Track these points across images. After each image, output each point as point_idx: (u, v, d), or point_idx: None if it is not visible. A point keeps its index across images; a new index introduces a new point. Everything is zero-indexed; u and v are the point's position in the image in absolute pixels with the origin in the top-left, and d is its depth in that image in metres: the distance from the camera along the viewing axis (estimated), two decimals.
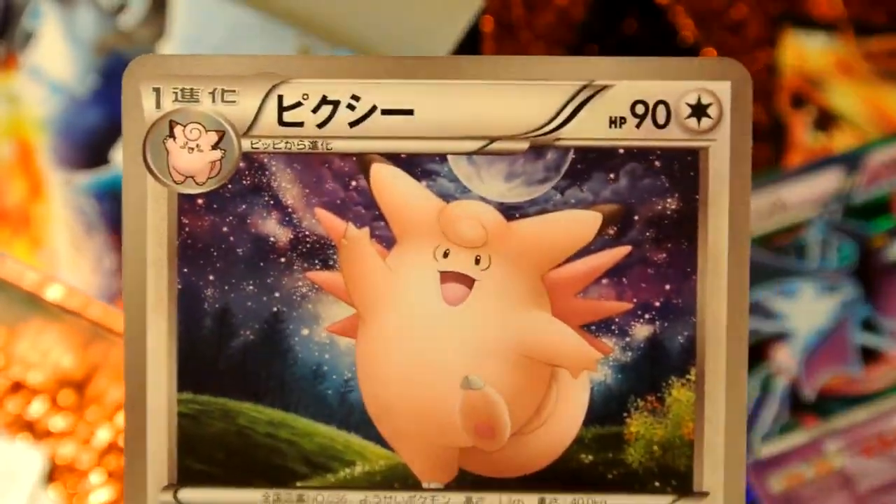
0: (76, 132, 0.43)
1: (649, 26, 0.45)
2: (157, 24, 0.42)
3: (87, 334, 0.39)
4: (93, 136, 0.43)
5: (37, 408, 0.41)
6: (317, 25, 0.40)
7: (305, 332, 0.29)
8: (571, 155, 0.29)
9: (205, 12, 0.42)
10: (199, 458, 0.29)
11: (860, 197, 0.39)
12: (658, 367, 0.29)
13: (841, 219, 0.39)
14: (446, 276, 0.29)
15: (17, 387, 0.42)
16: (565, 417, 0.29)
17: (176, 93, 0.28)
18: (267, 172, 0.28)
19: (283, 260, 0.29)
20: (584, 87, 0.28)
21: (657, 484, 0.29)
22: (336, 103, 0.28)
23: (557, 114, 0.28)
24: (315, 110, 0.28)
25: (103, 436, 0.41)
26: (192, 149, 0.28)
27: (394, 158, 0.29)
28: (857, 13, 0.44)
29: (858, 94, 0.41)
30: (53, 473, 0.40)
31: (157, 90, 0.28)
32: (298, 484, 0.29)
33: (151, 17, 0.42)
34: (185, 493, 0.29)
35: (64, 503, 0.40)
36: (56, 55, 0.43)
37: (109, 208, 0.42)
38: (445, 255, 0.29)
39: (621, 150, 0.29)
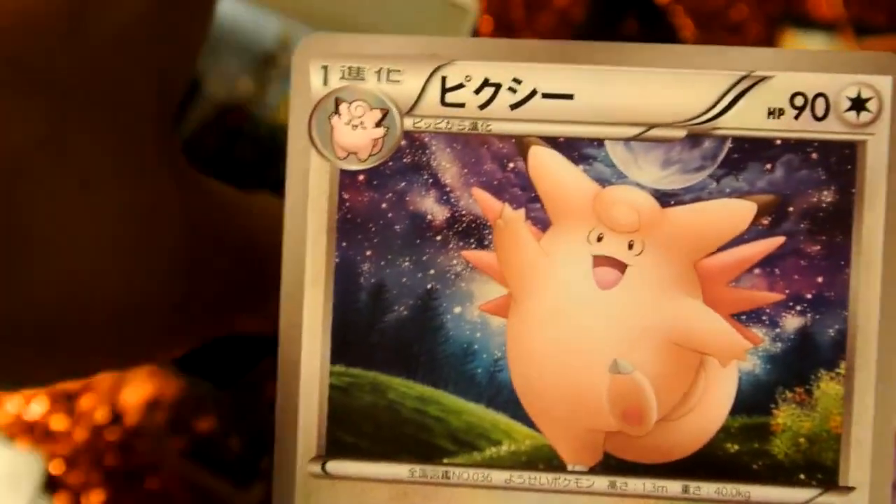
0: None
1: (649, 27, 0.45)
2: None
3: None
4: None
5: (36, 409, 0.41)
6: (305, 16, 0.41)
7: (458, 309, 0.29)
8: (728, 144, 0.29)
9: None
10: (348, 430, 0.29)
11: None
12: (807, 360, 0.29)
13: None
14: (599, 260, 0.29)
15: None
16: (712, 406, 0.29)
17: (343, 71, 0.29)
18: (427, 151, 0.29)
19: (438, 238, 0.29)
20: (744, 77, 0.29)
21: (802, 476, 0.29)
22: (498, 86, 0.29)
23: (716, 103, 0.29)
24: (477, 92, 0.29)
25: (103, 437, 0.41)
26: (356, 126, 0.29)
27: (552, 142, 0.29)
28: (857, 14, 0.44)
29: None
30: (53, 476, 0.40)
31: (325, 67, 0.29)
32: (445, 460, 0.29)
33: None
34: (334, 465, 0.29)
35: None
36: None
37: None
38: (599, 239, 0.29)
39: (779, 141, 0.29)
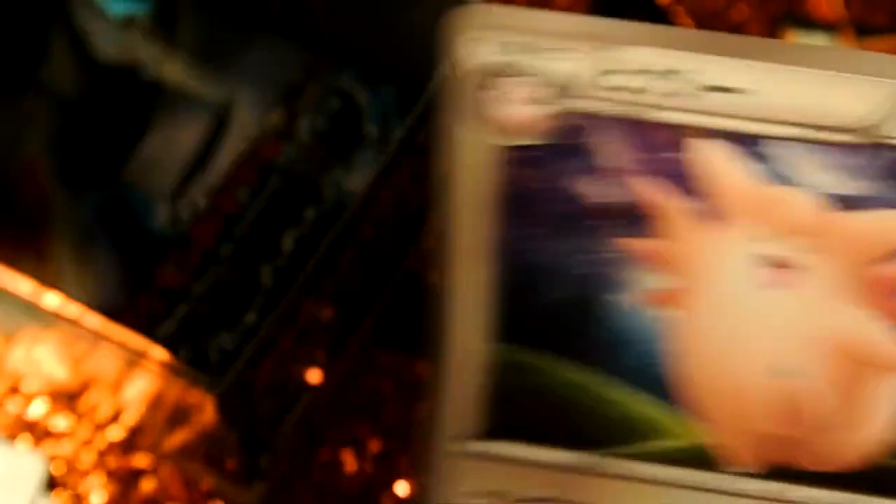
0: (84, 148, 0.42)
1: None
2: (164, 38, 0.42)
3: (82, 344, 0.37)
4: (101, 152, 0.42)
5: (36, 409, 0.40)
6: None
7: (618, 297, 0.27)
8: None
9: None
10: (502, 411, 0.28)
11: None
12: None
13: None
14: (765, 260, 0.28)
15: (15, 390, 0.41)
16: (878, 418, 0.27)
17: (503, 46, 0.28)
18: (587, 134, 0.28)
19: (600, 223, 0.28)
20: None
21: None
22: (664, 73, 0.28)
23: (891, 111, 0.28)
24: (642, 78, 0.28)
25: (104, 436, 0.40)
26: (516, 102, 0.28)
27: (718, 135, 0.28)
28: (858, 14, 0.43)
29: None
30: (54, 477, 0.39)
31: (484, 42, 0.28)
32: (601, 450, 0.27)
33: (159, 32, 0.42)
34: (485, 445, 0.28)
35: None
36: (65, 70, 0.42)
37: (114, 224, 0.41)
38: (765, 238, 0.28)
39: None
